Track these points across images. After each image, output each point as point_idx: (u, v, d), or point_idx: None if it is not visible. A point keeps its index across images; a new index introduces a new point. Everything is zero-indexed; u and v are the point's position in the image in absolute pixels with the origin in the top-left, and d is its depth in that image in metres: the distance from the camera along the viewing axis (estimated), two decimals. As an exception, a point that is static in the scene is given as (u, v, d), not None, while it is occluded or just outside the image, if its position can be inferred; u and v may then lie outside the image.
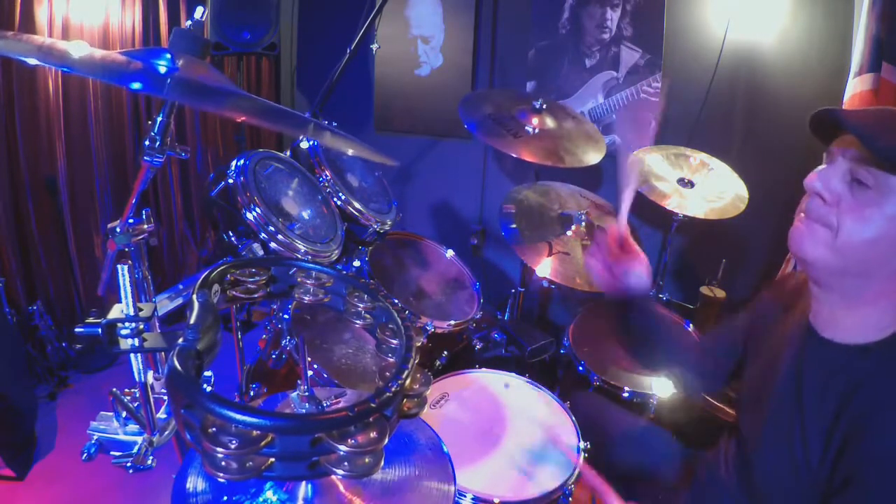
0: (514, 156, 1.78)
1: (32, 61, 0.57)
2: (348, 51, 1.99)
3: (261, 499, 0.75)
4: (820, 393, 0.80)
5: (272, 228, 1.26)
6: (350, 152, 0.92)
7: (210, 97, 0.73)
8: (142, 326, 0.77)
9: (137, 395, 0.89)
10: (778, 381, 0.89)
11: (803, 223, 0.82)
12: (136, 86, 0.65)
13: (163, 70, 0.71)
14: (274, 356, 1.50)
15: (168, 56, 0.73)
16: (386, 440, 0.55)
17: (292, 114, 0.88)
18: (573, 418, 1.36)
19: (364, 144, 0.90)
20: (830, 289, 0.83)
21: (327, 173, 1.57)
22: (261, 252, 1.28)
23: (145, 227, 0.93)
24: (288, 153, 1.59)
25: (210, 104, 0.73)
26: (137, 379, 0.86)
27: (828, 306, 0.84)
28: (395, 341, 0.75)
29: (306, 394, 0.77)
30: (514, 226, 1.83)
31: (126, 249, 0.91)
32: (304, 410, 0.77)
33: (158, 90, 0.66)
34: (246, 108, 0.76)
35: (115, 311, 0.77)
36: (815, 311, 0.87)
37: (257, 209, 1.25)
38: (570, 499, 1.21)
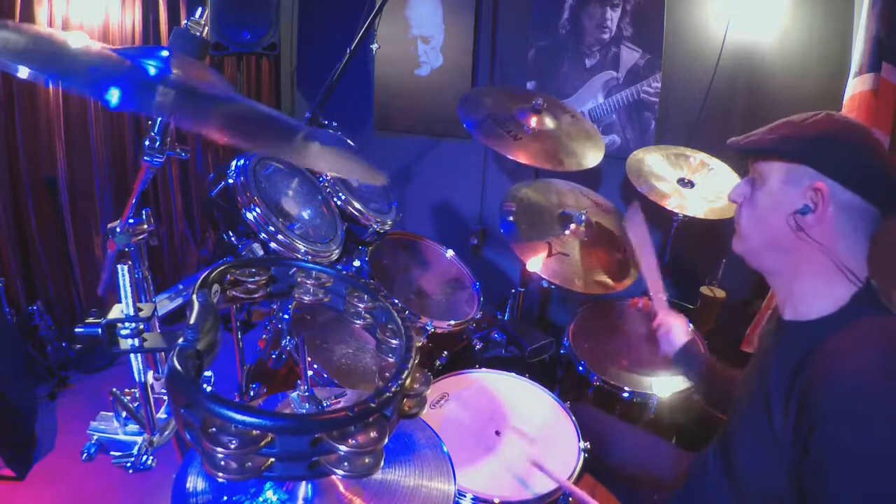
0: (513, 159, 1.78)
1: (24, 73, 0.55)
2: (348, 51, 1.99)
3: (261, 499, 0.75)
4: (781, 368, 0.85)
5: (272, 228, 1.26)
6: (331, 175, 0.92)
7: (199, 107, 0.71)
8: (142, 326, 0.77)
9: (137, 395, 0.89)
10: (755, 368, 0.97)
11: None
12: (113, 99, 0.59)
13: (152, 72, 0.70)
14: (274, 356, 1.50)
15: (164, 54, 0.73)
16: (386, 440, 0.55)
17: (281, 124, 0.85)
18: (573, 418, 1.36)
19: (355, 159, 0.89)
20: (766, 271, 0.95)
21: (327, 173, 1.57)
22: (261, 252, 1.28)
23: (145, 227, 0.93)
24: (288, 153, 1.59)
25: (194, 119, 0.70)
26: (137, 379, 0.86)
27: (779, 291, 0.94)
28: (395, 341, 0.75)
29: (306, 394, 0.77)
30: (512, 221, 1.82)
31: (126, 249, 0.91)
32: (304, 411, 0.77)
33: (141, 104, 0.65)
34: (231, 119, 0.74)
35: (115, 311, 0.77)
36: (778, 300, 0.96)
37: (257, 209, 1.25)
38: (570, 499, 1.21)
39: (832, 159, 0.82)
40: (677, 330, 1.32)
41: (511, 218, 1.83)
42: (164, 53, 0.73)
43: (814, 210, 0.83)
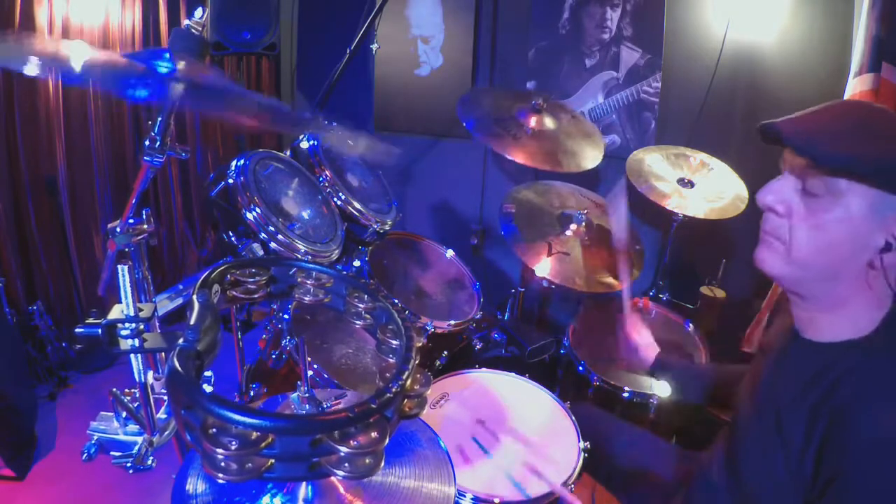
0: (512, 159, 1.78)
1: (33, 71, 0.55)
2: (348, 51, 1.99)
3: (261, 499, 0.75)
4: (802, 390, 0.79)
5: (272, 228, 1.26)
6: (354, 146, 0.94)
7: (217, 100, 0.73)
8: (142, 327, 0.77)
9: (137, 396, 0.89)
10: (763, 381, 0.90)
11: (762, 241, 0.83)
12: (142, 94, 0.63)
13: (164, 71, 0.71)
14: (274, 356, 1.50)
15: (167, 56, 0.73)
16: (386, 441, 0.55)
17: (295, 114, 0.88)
18: (573, 418, 1.36)
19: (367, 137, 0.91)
20: (803, 297, 0.83)
21: (327, 173, 1.57)
22: (261, 252, 1.28)
23: (145, 227, 0.93)
24: (288, 153, 1.59)
25: (217, 107, 0.73)
26: (137, 379, 0.87)
27: (806, 311, 0.85)
28: (395, 342, 0.75)
29: (306, 395, 0.77)
30: (513, 224, 1.83)
31: (126, 249, 0.91)
32: (304, 411, 0.77)
33: (164, 98, 0.66)
34: (252, 109, 0.76)
35: (115, 312, 0.77)
36: (797, 316, 0.88)
37: (257, 209, 1.25)
38: (571, 499, 1.21)
39: None
40: (644, 350, 1.37)
41: (511, 220, 1.83)
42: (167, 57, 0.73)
43: None
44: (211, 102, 0.73)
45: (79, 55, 0.66)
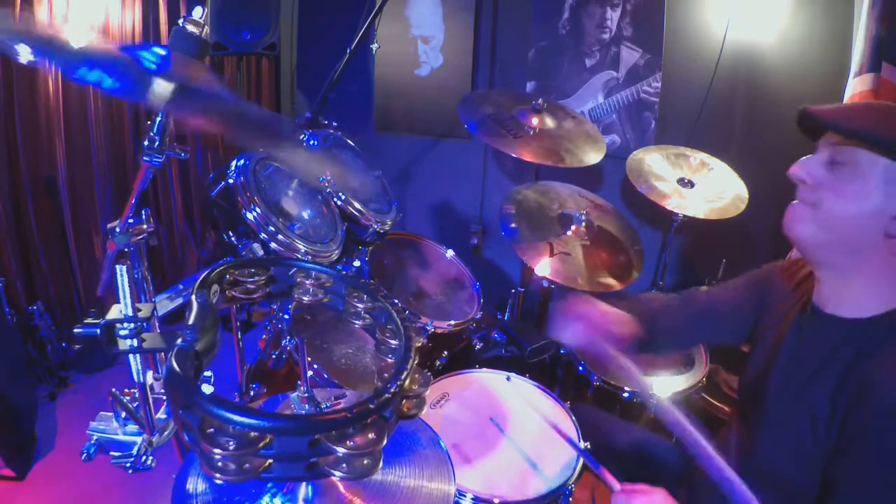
0: (515, 156, 1.78)
1: (25, 57, 0.55)
2: (348, 51, 1.99)
3: (261, 499, 0.75)
4: (824, 364, 0.83)
5: (272, 228, 1.26)
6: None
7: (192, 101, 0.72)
8: (141, 327, 0.77)
9: (137, 396, 0.89)
10: (780, 357, 0.94)
11: (792, 206, 0.90)
12: (108, 83, 0.62)
13: (151, 66, 0.70)
14: (274, 356, 1.50)
15: (158, 51, 0.73)
16: (384, 441, 0.55)
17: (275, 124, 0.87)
18: (573, 418, 1.36)
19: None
20: (827, 266, 0.89)
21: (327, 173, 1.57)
22: (261, 252, 1.28)
23: (145, 227, 0.92)
24: (288, 153, 1.59)
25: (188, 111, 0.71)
26: (137, 379, 0.86)
27: (828, 284, 0.89)
28: (394, 342, 0.75)
29: (306, 395, 0.77)
30: (514, 225, 1.83)
31: (126, 249, 0.91)
32: (304, 411, 0.77)
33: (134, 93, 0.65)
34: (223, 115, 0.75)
35: (114, 312, 0.77)
36: (818, 291, 0.92)
37: (257, 209, 1.25)
38: (571, 499, 1.21)
39: None
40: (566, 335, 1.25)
41: (511, 221, 1.83)
42: (161, 51, 0.73)
43: None
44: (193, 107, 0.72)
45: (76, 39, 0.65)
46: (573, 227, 1.85)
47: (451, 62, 2.79)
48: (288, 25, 3.16)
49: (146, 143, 0.85)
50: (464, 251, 2.42)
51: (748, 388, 1.03)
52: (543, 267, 1.73)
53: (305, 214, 1.45)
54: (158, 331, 0.88)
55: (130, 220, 0.90)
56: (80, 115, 2.41)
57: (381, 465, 0.55)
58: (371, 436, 0.55)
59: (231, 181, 1.27)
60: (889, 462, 0.72)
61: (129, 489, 1.82)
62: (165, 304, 1.01)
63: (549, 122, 1.96)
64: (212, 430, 0.51)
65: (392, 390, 0.59)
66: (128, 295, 0.76)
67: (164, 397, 0.97)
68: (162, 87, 0.67)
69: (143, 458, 0.89)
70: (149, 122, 0.86)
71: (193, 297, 0.67)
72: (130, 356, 0.84)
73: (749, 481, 0.93)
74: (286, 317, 1.49)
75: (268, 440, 0.51)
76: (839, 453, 0.78)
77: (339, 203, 1.57)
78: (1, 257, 2.21)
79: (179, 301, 1.03)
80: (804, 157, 0.89)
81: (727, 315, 1.17)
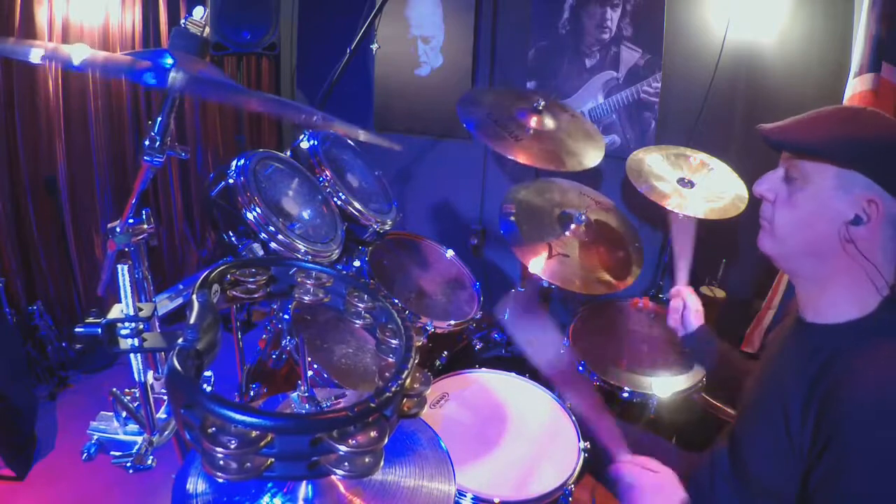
0: (514, 160, 1.77)
1: (37, 58, 0.56)
2: (348, 51, 1.99)
3: (262, 499, 0.75)
4: (800, 370, 0.85)
5: (272, 228, 1.26)
6: (362, 137, 0.98)
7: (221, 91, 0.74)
8: (141, 326, 0.77)
9: (137, 395, 0.89)
10: (768, 367, 0.97)
11: (760, 225, 0.94)
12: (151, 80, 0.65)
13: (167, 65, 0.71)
14: (274, 356, 1.50)
15: (168, 56, 0.73)
16: (386, 440, 0.55)
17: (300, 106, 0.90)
18: (573, 418, 1.36)
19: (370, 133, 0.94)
20: (801, 277, 0.92)
21: (327, 173, 1.57)
22: (261, 252, 1.28)
23: (145, 227, 0.93)
24: (288, 153, 1.59)
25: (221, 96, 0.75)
26: (137, 379, 0.86)
27: (805, 294, 0.92)
28: (394, 341, 0.75)
29: (306, 394, 0.77)
30: (513, 223, 1.82)
31: (126, 249, 0.91)
32: (304, 411, 0.77)
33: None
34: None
35: (115, 311, 0.77)
36: (799, 301, 0.95)
37: (257, 209, 1.25)
38: (571, 499, 1.21)
39: (890, 170, 0.79)
40: (690, 314, 1.35)
41: (511, 220, 1.83)
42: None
43: (866, 221, 0.80)
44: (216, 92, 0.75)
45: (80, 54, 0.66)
46: (573, 227, 1.85)
47: (451, 62, 2.79)
48: (288, 25, 3.17)
49: (147, 142, 0.86)
50: (464, 251, 2.42)
51: (743, 396, 1.06)
52: (543, 269, 1.72)
53: (305, 214, 1.45)
54: (159, 330, 0.88)
55: (131, 220, 0.91)
56: (80, 115, 2.41)
57: (382, 463, 0.55)
58: (372, 434, 0.55)
59: (231, 181, 1.27)
60: (865, 456, 0.73)
61: (129, 489, 1.82)
62: (166, 304, 1.01)
63: (549, 123, 1.96)
64: (213, 429, 0.51)
65: (393, 389, 0.59)
66: (129, 294, 0.76)
67: (165, 397, 0.97)
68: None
69: (144, 457, 0.89)
70: (149, 122, 0.86)
71: (194, 296, 0.67)
72: (131, 356, 0.84)
73: (739, 487, 0.96)
74: (286, 317, 1.48)
75: (269, 439, 0.51)
76: (816, 457, 0.79)
77: (339, 203, 1.57)
78: (1, 257, 2.22)
79: (180, 301, 1.03)
80: (767, 173, 0.92)
81: None
